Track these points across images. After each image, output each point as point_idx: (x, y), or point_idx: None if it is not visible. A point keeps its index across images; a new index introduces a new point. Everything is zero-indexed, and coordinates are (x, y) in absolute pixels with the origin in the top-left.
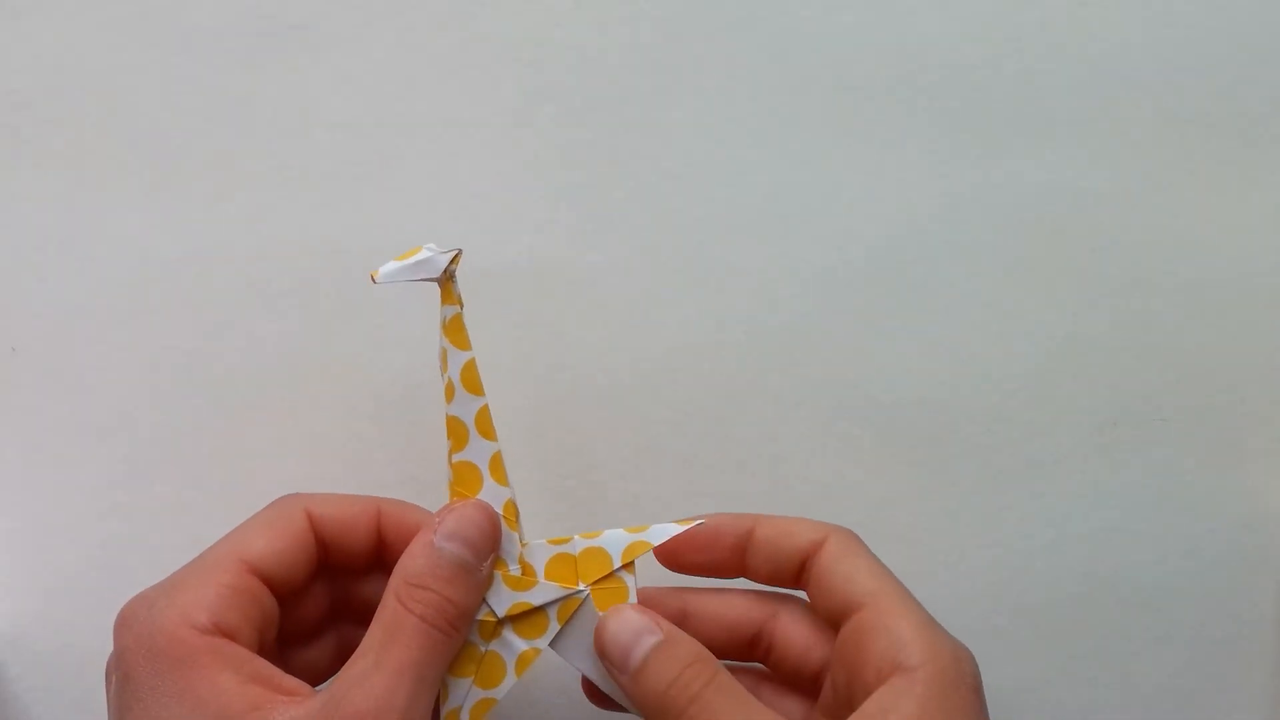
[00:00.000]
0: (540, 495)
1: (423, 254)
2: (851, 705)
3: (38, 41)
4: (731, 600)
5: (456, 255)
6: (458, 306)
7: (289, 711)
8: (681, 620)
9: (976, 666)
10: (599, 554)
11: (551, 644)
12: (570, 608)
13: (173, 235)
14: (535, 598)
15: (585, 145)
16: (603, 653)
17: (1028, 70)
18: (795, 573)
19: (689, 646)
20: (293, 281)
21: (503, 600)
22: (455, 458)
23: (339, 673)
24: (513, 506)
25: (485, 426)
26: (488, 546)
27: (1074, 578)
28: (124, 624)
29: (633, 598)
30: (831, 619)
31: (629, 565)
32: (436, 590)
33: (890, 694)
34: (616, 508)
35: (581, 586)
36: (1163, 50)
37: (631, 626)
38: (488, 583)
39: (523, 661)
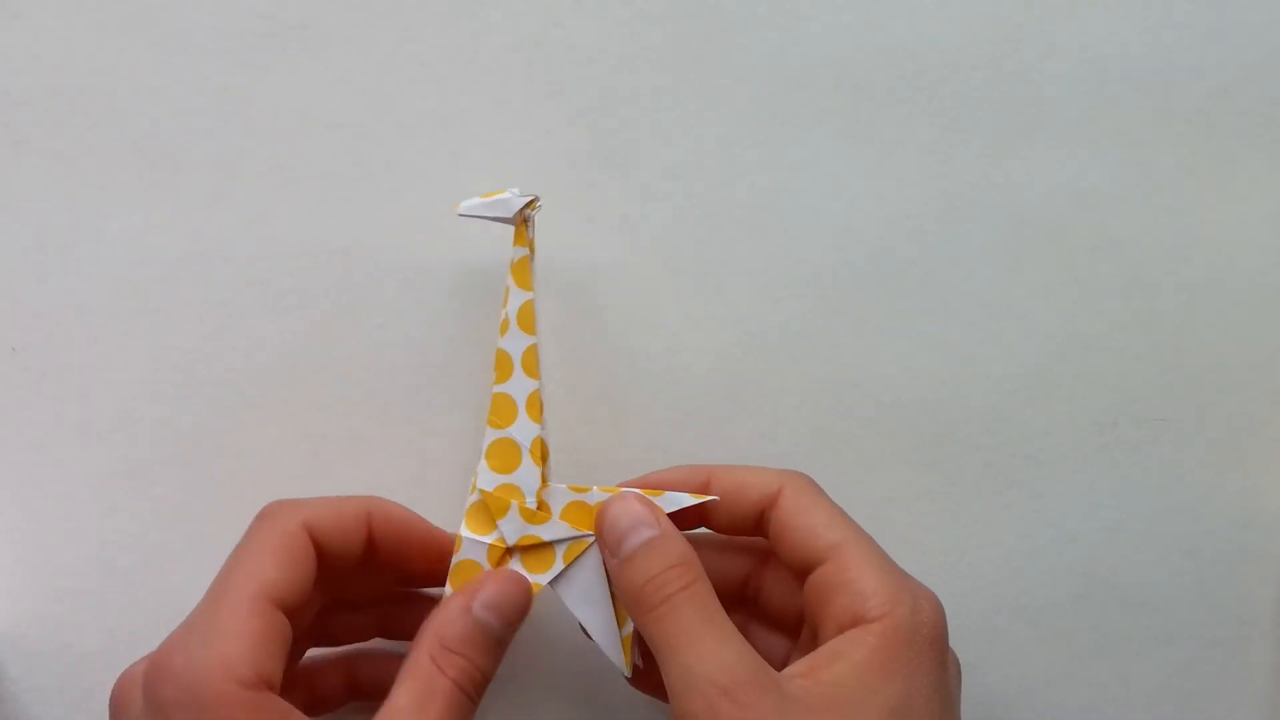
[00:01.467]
0: None
1: (504, 195)
2: None
3: (38, 41)
4: (750, 472)
5: (533, 201)
6: (527, 250)
7: None
8: (705, 487)
9: (939, 614)
10: None
11: (553, 582)
12: (576, 550)
13: (173, 235)
14: (546, 533)
15: (585, 145)
16: (599, 533)
17: (1028, 70)
18: (754, 524)
19: (678, 547)
20: (293, 281)
21: (515, 529)
22: (495, 389)
23: None
24: (541, 443)
25: (530, 364)
26: (519, 619)
27: (1074, 578)
28: (161, 677)
29: None
30: (797, 571)
31: None
32: (469, 658)
33: (844, 641)
34: None
35: (591, 533)
36: (1163, 50)
37: (632, 515)
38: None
39: None
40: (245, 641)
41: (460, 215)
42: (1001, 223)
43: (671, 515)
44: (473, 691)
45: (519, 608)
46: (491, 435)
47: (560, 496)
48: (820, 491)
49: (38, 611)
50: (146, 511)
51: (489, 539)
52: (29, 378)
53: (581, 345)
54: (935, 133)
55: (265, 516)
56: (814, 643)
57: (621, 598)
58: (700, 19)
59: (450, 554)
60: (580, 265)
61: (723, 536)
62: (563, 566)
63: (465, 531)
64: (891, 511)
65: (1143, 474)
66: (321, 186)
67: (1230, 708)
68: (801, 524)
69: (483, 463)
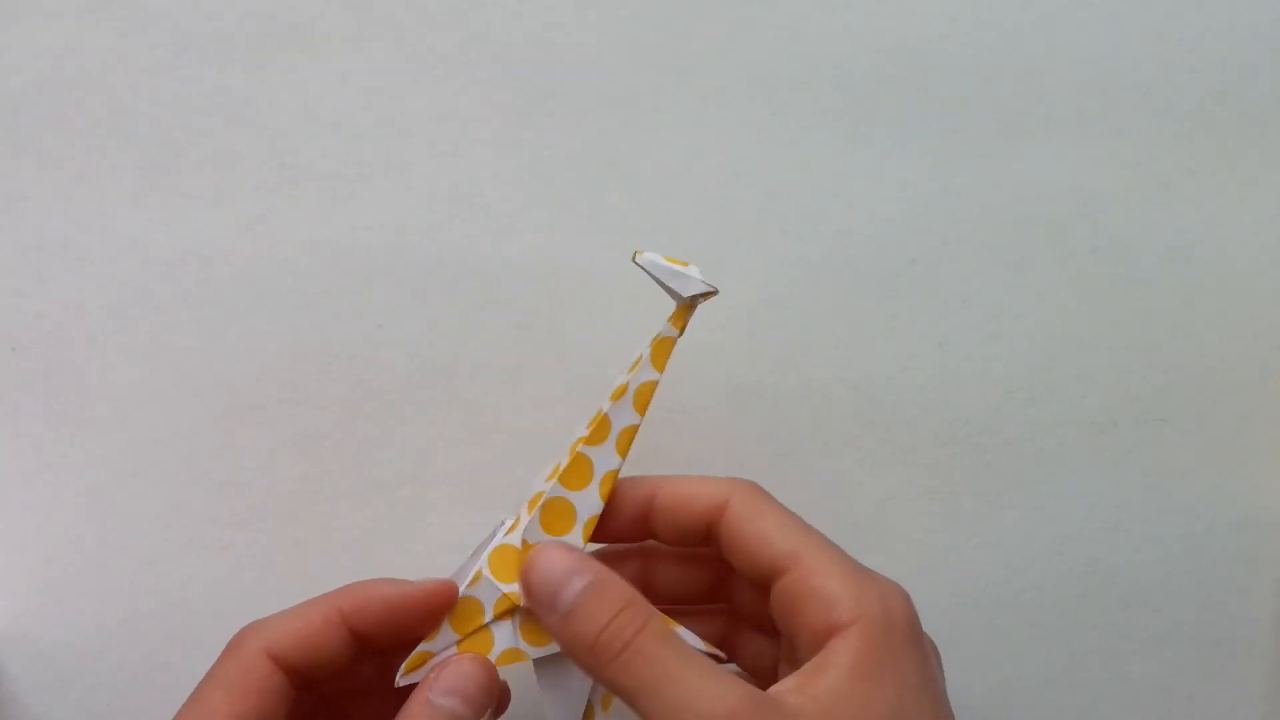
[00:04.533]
0: None
1: (688, 271)
2: (797, 664)
3: (38, 41)
4: (695, 483)
5: (711, 293)
6: (678, 332)
7: None
8: (650, 500)
9: (909, 606)
10: None
11: (537, 660)
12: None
13: (173, 235)
14: None
15: (585, 145)
16: (529, 592)
17: (1027, 70)
18: (702, 537)
19: (620, 589)
20: (293, 281)
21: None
22: (581, 447)
23: None
24: (594, 523)
25: (624, 443)
26: (484, 700)
27: (1074, 578)
28: None
29: None
30: (757, 582)
31: None
32: None
33: (827, 653)
34: None
35: None
36: (1163, 50)
37: (561, 566)
38: None
39: (505, 655)
40: None
41: (637, 264)
42: (1001, 223)
43: (616, 530)
44: None
45: (481, 687)
46: (553, 491)
47: None
48: (769, 498)
49: (38, 611)
50: (146, 511)
51: (505, 589)
52: (29, 378)
53: (582, 345)
54: (935, 133)
55: (229, 647)
56: (794, 650)
57: (573, 654)
58: (700, 19)
59: (447, 604)
60: (580, 265)
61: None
62: (555, 649)
63: (486, 570)
64: (891, 511)
65: (1143, 474)
66: (321, 186)
67: (1230, 708)
68: (752, 533)
69: (534, 514)
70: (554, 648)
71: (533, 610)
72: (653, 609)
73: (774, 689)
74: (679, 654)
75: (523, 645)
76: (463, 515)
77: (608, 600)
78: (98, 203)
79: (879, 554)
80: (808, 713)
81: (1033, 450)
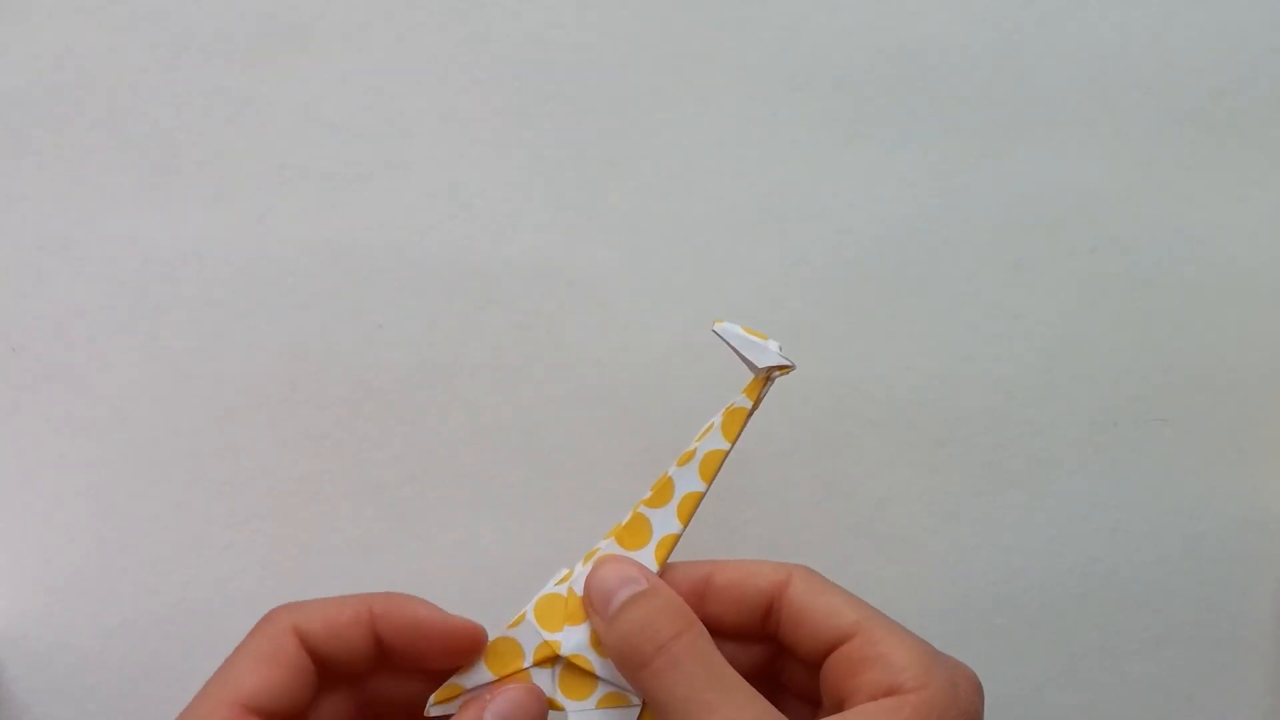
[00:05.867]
0: (540, 495)
1: (766, 344)
2: None
3: (38, 41)
4: (753, 563)
5: (787, 369)
6: (752, 403)
7: None
8: (707, 581)
9: (978, 694)
10: None
11: (573, 716)
12: (614, 702)
13: (173, 235)
14: (601, 669)
15: (585, 145)
16: (587, 597)
17: (1028, 70)
18: (762, 614)
19: (669, 598)
20: (293, 281)
21: (577, 645)
22: (641, 508)
23: None
24: None
25: (686, 510)
26: None
27: (1074, 578)
28: None
29: None
30: (817, 654)
31: None
32: None
33: (876, 708)
34: (616, 508)
35: (636, 701)
36: (1163, 50)
37: (620, 574)
38: None
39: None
40: None
41: (715, 332)
42: (1001, 223)
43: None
44: None
45: (528, 714)
46: (609, 547)
47: None
48: (831, 581)
49: (38, 611)
50: (146, 511)
51: (549, 636)
52: (29, 378)
53: (582, 345)
54: (935, 133)
55: (261, 622)
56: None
57: (615, 659)
58: (700, 19)
59: (471, 646)
60: (580, 265)
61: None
62: (591, 709)
63: (531, 614)
64: (891, 511)
65: (1143, 474)
66: (321, 186)
67: (1230, 708)
68: (821, 605)
69: (589, 568)
70: (591, 704)
71: (588, 615)
72: (698, 622)
73: None
74: (713, 672)
75: (560, 698)
76: (462, 515)
77: (652, 605)
78: (98, 203)
79: (879, 554)
80: None
81: (1033, 450)
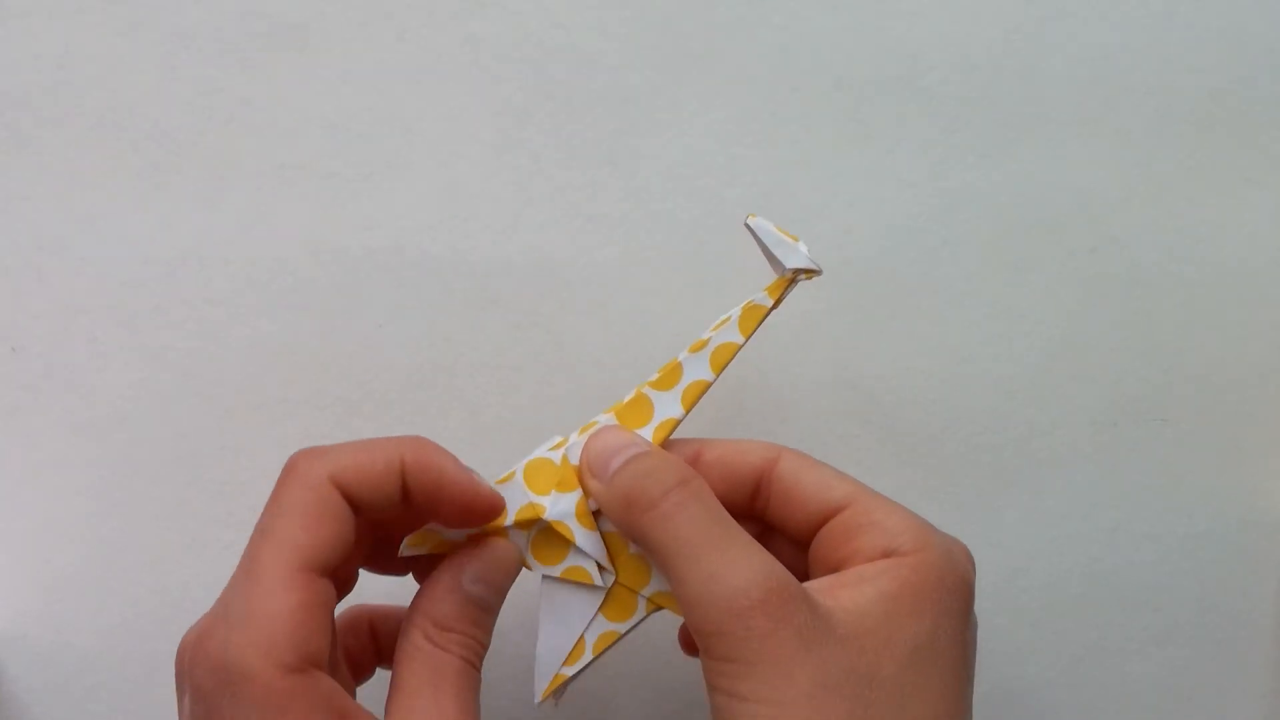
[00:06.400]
0: None
1: (797, 245)
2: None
3: (38, 41)
4: (743, 442)
5: (814, 272)
6: (771, 302)
7: None
8: (696, 457)
9: (971, 562)
10: None
11: (544, 580)
12: (582, 576)
13: (173, 235)
14: (581, 539)
15: (585, 145)
16: (585, 462)
17: (1028, 70)
18: (750, 491)
19: (671, 457)
20: (293, 281)
21: (560, 513)
22: (645, 389)
23: (392, 713)
24: None
25: (690, 397)
26: (507, 589)
27: (1074, 578)
28: (199, 663)
29: None
30: (808, 528)
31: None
32: (467, 632)
33: (873, 569)
34: None
35: (600, 582)
36: (1163, 50)
37: (621, 439)
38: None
39: (603, 639)
40: (285, 622)
41: (749, 226)
42: (1001, 223)
43: None
44: (476, 663)
45: (509, 574)
46: (608, 420)
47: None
48: (818, 460)
49: (38, 611)
50: (146, 511)
51: (535, 498)
52: (29, 378)
53: (582, 345)
54: (935, 133)
55: (290, 473)
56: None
57: (613, 514)
58: (700, 19)
59: (488, 516)
60: (580, 265)
61: None
62: (558, 573)
63: (520, 475)
64: None
65: (1143, 474)
66: (321, 186)
67: (1230, 708)
68: (811, 480)
69: (584, 439)
70: (556, 573)
71: (583, 481)
72: (698, 476)
73: (807, 585)
74: (719, 520)
75: (530, 560)
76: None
77: (652, 459)
78: (98, 203)
79: None
80: (834, 617)
81: (1033, 450)
